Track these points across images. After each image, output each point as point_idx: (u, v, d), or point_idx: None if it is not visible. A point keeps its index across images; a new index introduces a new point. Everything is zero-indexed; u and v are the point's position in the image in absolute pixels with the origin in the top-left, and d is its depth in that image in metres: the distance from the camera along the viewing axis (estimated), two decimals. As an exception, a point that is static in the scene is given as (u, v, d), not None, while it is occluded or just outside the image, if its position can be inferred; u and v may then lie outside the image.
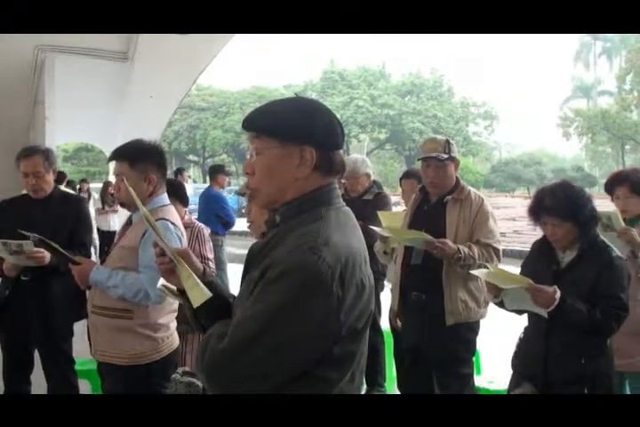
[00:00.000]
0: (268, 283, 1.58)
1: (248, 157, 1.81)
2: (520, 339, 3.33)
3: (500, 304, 3.24)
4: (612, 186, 4.04)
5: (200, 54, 8.41)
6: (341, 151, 1.79)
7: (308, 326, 1.56)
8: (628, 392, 3.94)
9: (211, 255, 4.38)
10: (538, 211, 3.20)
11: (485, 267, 3.27)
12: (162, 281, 2.10)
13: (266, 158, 1.73)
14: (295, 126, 1.70)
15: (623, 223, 3.75)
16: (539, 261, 3.27)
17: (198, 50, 8.04)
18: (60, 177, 12.13)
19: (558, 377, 3.05)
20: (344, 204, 1.80)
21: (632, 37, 48.37)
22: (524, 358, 3.24)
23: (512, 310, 3.26)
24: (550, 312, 2.97)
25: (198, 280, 1.82)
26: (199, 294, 1.78)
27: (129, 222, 3.29)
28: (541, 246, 3.29)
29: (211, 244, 4.47)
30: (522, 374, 3.22)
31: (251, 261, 1.75)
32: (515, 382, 3.27)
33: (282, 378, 1.59)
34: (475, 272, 3.22)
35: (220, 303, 1.83)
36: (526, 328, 3.32)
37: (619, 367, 3.76)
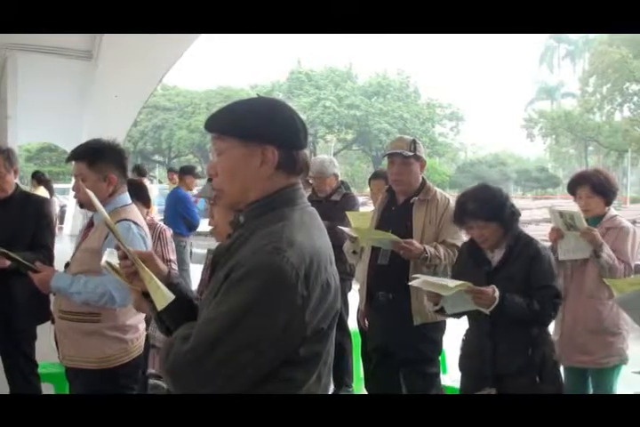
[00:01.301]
0: (233, 284, 1.58)
1: (212, 158, 1.80)
2: (463, 341, 3.38)
3: (440, 311, 3.28)
4: (574, 186, 4.11)
5: (165, 54, 8.36)
6: (305, 151, 1.78)
7: (274, 326, 1.55)
8: (591, 387, 4.01)
9: (173, 257, 4.35)
10: (462, 216, 3.26)
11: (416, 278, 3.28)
12: (105, 257, 2.08)
13: (228, 159, 1.73)
14: (256, 126, 1.69)
15: (585, 223, 3.81)
16: (469, 263, 3.34)
17: (164, 49, 7.98)
18: (40, 178, 11.87)
19: (509, 371, 3.10)
20: (309, 204, 1.79)
21: (595, 41, 49.20)
22: (471, 359, 3.28)
23: (452, 315, 3.31)
24: (492, 312, 3.02)
25: (160, 283, 1.80)
26: (162, 297, 1.77)
27: (91, 224, 3.24)
28: (470, 249, 3.35)
29: (173, 245, 4.44)
30: (473, 375, 3.26)
31: (216, 262, 1.74)
32: (467, 384, 3.30)
33: (247, 379, 1.58)
34: (413, 283, 3.24)
35: (184, 305, 1.82)
36: (468, 330, 3.37)
37: (582, 364, 3.83)
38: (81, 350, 3.07)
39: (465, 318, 3.37)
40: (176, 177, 11.33)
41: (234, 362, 1.55)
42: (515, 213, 3.25)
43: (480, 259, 3.26)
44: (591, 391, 4.02)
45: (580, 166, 44.81)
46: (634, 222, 12.19)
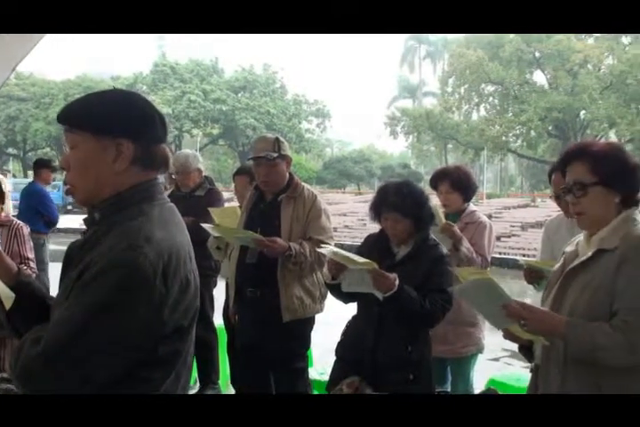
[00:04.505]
0: (87, 282, 1.51)
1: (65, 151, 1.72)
2: (347, 327, 3.41)
3: (333, 288, 3.30)
4: (436, 182, 4.25)
5: (19, 40, 7.91)
6: (164, 145, 1.74)
7: (130, 325, 1.50)
8: (449, 375, 4.18)
9: (31, 255, 4.15)
10: (380, 206, 3.30)
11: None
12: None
13: (80, 153, 1.65)
14: (110, 119, 1.63)
15: (444, 219, 3.95)
16: (374, 253, 3.37)
17: (17, 35, 7.55)
18: None
19: (386, 364, 3.15)
20: (168, 200, 1.75)
21: (454, 43, 51.18)
22: (351, 346, 3.32)
23: (340, 298, 3.34)
24: (386, 298, 3.05)
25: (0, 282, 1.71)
26: (5, 296, 1.68)
27: None
28: (378, 240, 3.39)
29: (31, 243, 4.23)
30: (348, 362, 3.29)
31: (69, 261, 1.66)
32: (339, 371, 3.33)
33: (103, 380, 1.52)
34: (322, 250, 3.25)
35: (36, 305, 1.73)
36: (355, 317, 3.40)
37: (441, 353, 3.96)
38: None
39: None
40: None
41: (88, 364, 1.49)
42: (431, 216, 3.33)
43: (385, 251, 3.28)
44: (450, 379, 4.19)
45: (440, 163, 46.52)
46: (490, 217, 12.84)
